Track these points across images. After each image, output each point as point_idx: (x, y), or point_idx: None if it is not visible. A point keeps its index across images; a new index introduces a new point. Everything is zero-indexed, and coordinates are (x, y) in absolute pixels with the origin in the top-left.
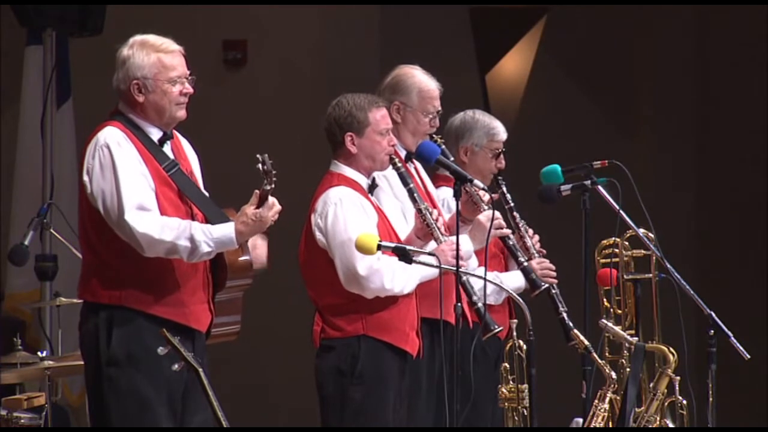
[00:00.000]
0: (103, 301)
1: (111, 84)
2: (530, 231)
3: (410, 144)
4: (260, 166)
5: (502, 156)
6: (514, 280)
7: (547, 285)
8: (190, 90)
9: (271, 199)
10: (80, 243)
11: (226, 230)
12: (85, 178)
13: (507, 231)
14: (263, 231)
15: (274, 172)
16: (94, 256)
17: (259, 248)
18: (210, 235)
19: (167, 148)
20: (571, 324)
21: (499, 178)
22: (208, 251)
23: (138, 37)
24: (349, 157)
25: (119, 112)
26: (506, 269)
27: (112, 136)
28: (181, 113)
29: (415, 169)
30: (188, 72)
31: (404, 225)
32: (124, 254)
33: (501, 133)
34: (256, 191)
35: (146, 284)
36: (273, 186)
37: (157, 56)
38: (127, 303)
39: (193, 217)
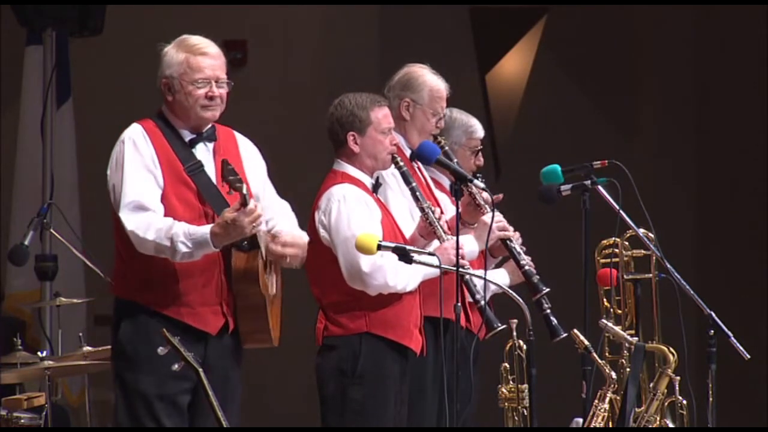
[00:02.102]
0: (119, 295)
1: (111, 84)
2: (511, 228)
3: (416, 143)
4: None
5: (480, 153)
6: (499, 277)
7: (548, 289)
8: (216, 93)
9: (251, 207)
10: None
11: (203, 230)
12: (108, 171)
13: (510, 233)
14: (243, 237)
15: (230, 177)
16: (117, 251)
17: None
18: (189, 236)
19: (200, 149)
20: (555, 320)
21: (478, 175)
22: (187, 251)
23: (182, 36)
24: (351, 156)
25: (160, 110)
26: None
27: (131, 133)
28: (208, 114)
29: (419, 168)
30: (221, 76)
31: (411, 223)
32: (136, 251)
33: (479, 130)
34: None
35: (155, 283)
36: (242, 191)
37: (185, 56)
38: (135, 299)
39: (211, 219)
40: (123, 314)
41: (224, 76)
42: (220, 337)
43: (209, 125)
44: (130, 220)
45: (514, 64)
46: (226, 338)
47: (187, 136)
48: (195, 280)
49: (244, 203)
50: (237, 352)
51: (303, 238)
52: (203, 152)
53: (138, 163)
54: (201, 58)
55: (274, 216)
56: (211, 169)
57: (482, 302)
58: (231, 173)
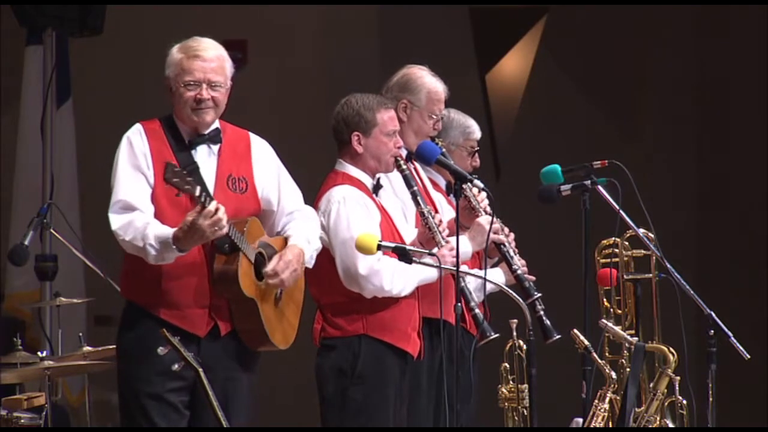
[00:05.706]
0: (123, 296)
1: (111, 84)
2: (506, 229)
3: (412, 144)
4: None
5: (476, 154)
6: (496, 276)
7: (540, 294)
8: (205, 96)
9: (210, 209)
10: None
11: (168, 233)
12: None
13: (503, 237)
14: (205, 241)
15: (174, 180)
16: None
17: (283, 266)
18: (156, 238)
19: (201, 150)
20: (548, 322)
21: (475, 176)
22: (156, 254)
23: (191, 37)
24: (354, 157)
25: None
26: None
27: (130, 132)
28: (197, 117)
29: (415, 170)
30: (214, 78)
31: (405, 225)
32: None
33: (476, 131)
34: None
35: (146, 284)
36: (192, 193)
37: (180, 57)
38: (133, 299)
39: None
40: (125, 315)
41: (219, 78)
42: (213, 339)
43: (212, 127)
44: (115, 221)
45: (514, 64)
46: (225, 340)
47: (189, 137)
48: (182, 282)
49: (202, 206)
50: (242, 354)
51: (300, 255)
52: (205, 154)
53: (130, 162)
54: (192, 61)
55: (291, 220)
56: (208, 171)
57: (476, 310)
58: (176, 175)
